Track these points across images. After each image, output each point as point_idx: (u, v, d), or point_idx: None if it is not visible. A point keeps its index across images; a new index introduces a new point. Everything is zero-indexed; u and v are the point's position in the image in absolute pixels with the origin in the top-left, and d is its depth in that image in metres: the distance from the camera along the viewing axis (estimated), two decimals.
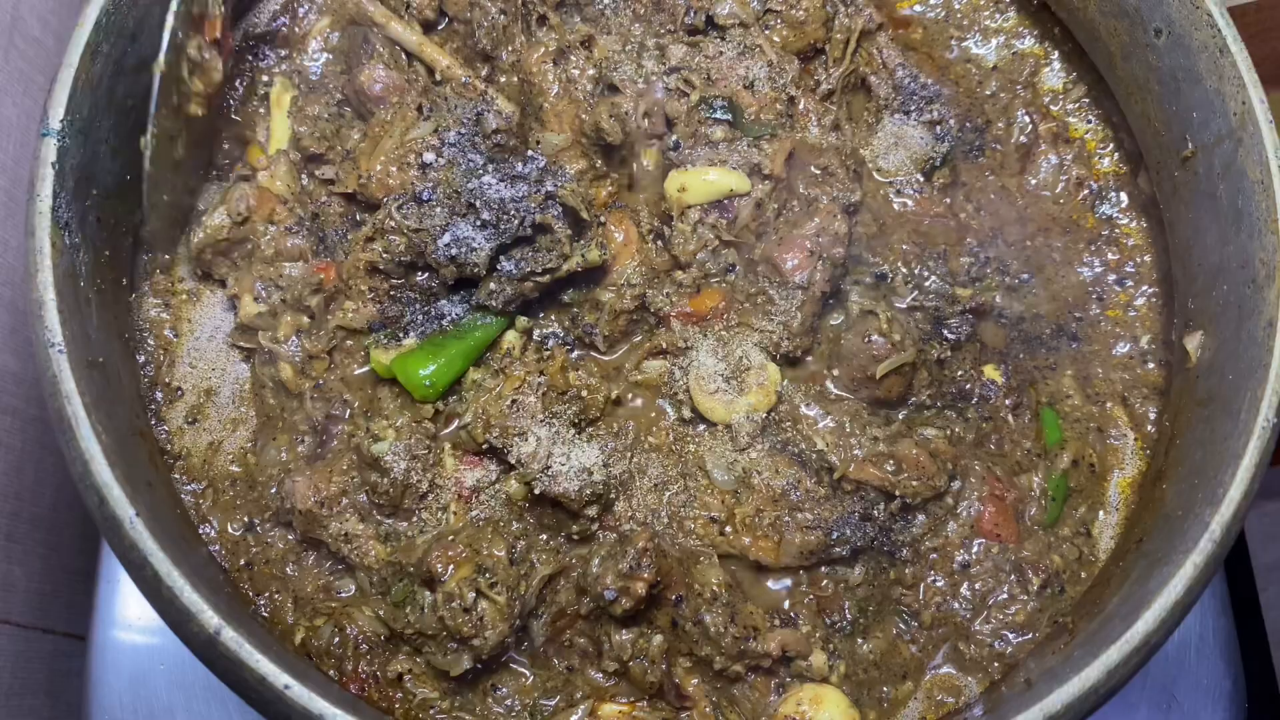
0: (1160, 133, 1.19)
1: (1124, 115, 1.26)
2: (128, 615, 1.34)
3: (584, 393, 1.13)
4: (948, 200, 1.26)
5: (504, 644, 1.05)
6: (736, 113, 1.21)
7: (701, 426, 1.16)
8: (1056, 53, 1.34)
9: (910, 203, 1.26)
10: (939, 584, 1.13)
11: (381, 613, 1.08)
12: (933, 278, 1.20)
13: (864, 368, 1.15)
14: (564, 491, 1.07)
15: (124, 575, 1.35)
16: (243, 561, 1.12)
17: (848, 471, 1.11)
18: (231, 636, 0.89)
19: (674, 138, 1.20)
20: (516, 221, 1.08)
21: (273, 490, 1.13)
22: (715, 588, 1.08)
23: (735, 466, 1.13)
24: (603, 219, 1.18)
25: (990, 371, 1.20)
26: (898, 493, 1.11)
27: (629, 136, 1.19)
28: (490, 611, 1.04)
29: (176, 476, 1.14)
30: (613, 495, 1.11)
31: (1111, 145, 1.30)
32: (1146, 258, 1.26)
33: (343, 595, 1.11)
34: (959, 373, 1.19)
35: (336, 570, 1.12)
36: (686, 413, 1.16)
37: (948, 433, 1.17)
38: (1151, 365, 1.21)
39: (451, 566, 1.05)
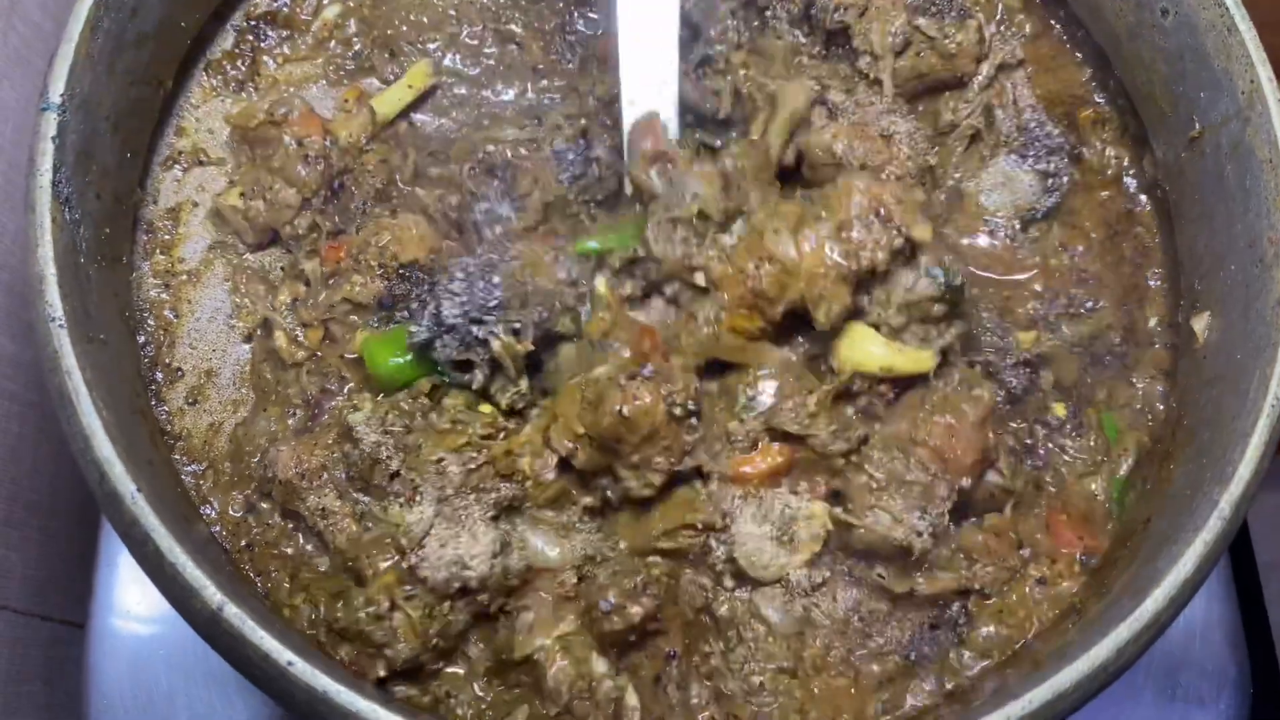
0: (1167, 114, 1.18)
1: (1130, 97, 1.25)
2: (126, 602, 1.34)
3: (528, 484, 1.04)
4: (1036, 259, 1.22)
5: (419, 659, 1.01)
6: (958, 294, 1.05)
7: (747, 588, 1.07)
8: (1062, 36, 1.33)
9: (998, 245, 1.22)
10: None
11: (322, 602, 1.03)
12: (989, 331, 1.15)
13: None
14: (426, 579, 1.00)
15: (122, 561, 1.35)
16: (244, 542, 1.11)
17: (916, 588, 1.04)
18: (234, 613, 0.88)
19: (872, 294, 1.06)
20: (449, 340, 1.04)
21: (256, 459, 1.12)
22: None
23: (793, 606, 1.05)
24: (622, 409, 0.99)
25: (1059, 409, 1.15)
26: (976, 586, 1.05)
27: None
28: (404, 626, 0.99)
29: (177, 457, 1.13)
30: (513, 582, 1.03)
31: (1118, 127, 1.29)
32: (1154, 240, 1.25)
33: (322, 570, 1.09)
34: (1018, 426, 1.13)
35: (318, 547, 1.10)
36: (729, 582, 1.06)
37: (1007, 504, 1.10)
38: (1158, 346, 1.20)
39: (382, 570, 1.02)
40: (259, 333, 1.17)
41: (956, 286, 1.05)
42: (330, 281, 1.14)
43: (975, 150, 1.25)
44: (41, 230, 0.96)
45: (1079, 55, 1.31)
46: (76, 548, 1.58)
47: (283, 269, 1.17)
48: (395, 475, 1.05)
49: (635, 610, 1.01)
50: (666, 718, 1.03)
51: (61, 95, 0.99)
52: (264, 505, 1.12)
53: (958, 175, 1.24)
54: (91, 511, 1.36)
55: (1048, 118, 1.26)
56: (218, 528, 1.11)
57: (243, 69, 1.26)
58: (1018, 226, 1.23)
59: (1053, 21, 1.32)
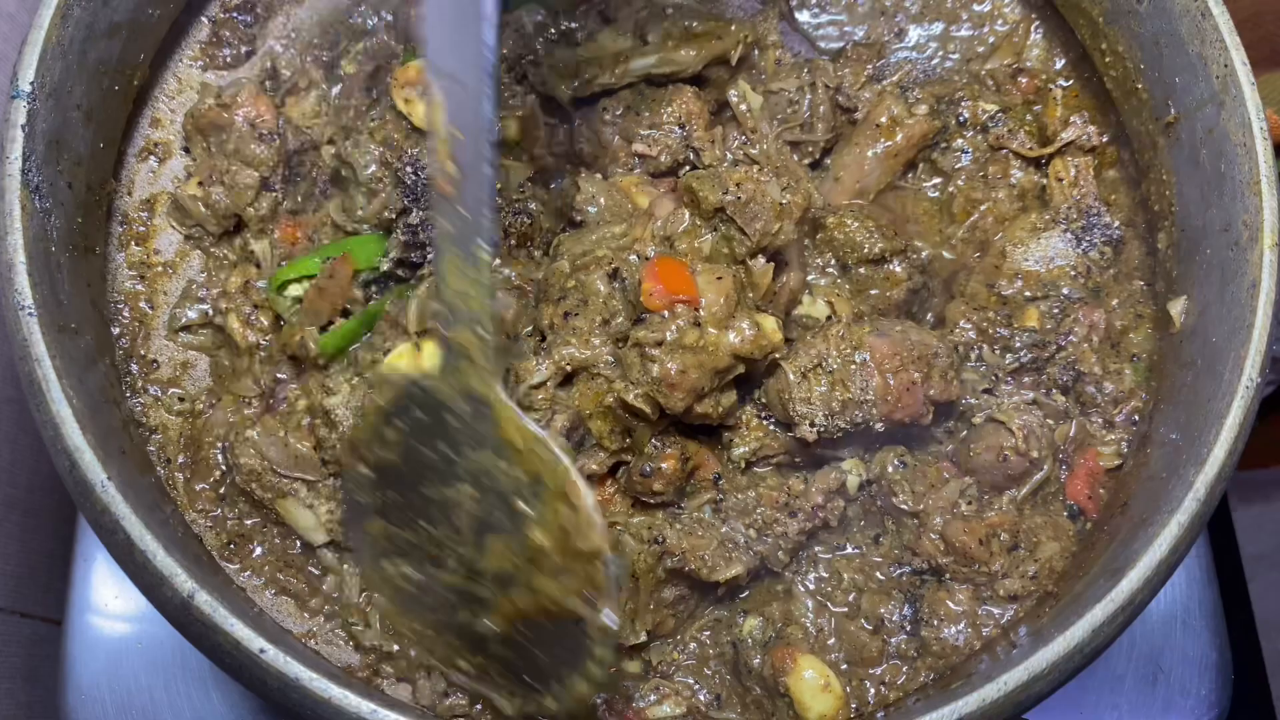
0: (1144, 100, 1.18)
1: (1107, 90, 1.25)
2: (104, 598, 1.33)
3: None
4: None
5: None
6: None
7: None
8: (1039, 24, 1.33)
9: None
10: None
11: None
12: (1015, 334, 1.15)
13: (999, 486, 1.10)
14: None
15: (100, 558, 1.34)
16: (219, 533, 1.10)
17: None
18: (206, 600, 0.88)
19: None
20: None
21: (219, 448, 1.11)
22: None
23: None
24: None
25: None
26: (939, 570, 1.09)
27: None
28: None
29: (152, 449, 1.12)
30: None
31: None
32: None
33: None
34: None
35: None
36: None
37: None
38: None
39: None
40: (213, 316, 1.16)
41: None
42: (282, 263, 1.13)
43: (1028, 220, 1.20)
44: (10, 217, 0.95)
45: (1055, 47, 1.31)
46: (55, 545, 1.57)
47: (222, 191, 1.17)
48: None
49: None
50: None
51: (31, 83, 0.99)
52: (238, 497, 1.11)
53: (1000, 236, 1.21)
54: (69, 508, 1.36)
55: (1105, 208, 1.21)
56: (192, 517, 1.10)
57: (229, 55, 1.24)
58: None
59: (1033, 15, 1.32)
